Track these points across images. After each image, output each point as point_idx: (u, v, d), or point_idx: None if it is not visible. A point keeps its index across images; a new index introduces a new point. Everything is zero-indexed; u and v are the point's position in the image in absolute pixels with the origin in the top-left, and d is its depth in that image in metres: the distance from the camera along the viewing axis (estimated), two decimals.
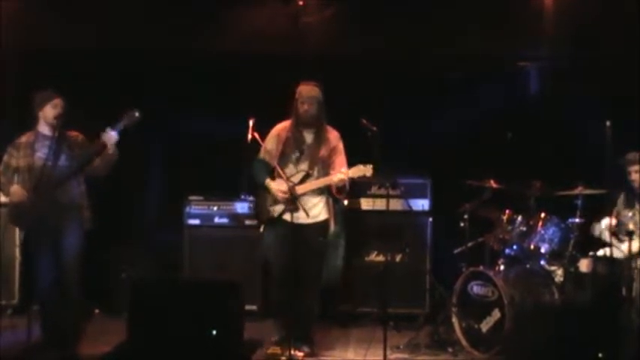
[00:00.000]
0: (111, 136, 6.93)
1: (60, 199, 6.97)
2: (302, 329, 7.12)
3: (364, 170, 6.91)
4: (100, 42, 8.61)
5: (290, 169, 7.09)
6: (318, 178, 7.04)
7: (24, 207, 6.93)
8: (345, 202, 8.38)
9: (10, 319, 8.12)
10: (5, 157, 7.17)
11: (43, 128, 7.10)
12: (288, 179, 7.00)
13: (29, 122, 7.13)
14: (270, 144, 7.15)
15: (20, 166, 7.06)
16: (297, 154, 7.08)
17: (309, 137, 7.11)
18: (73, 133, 7.18)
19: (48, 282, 7.03)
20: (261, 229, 7.21)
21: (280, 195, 6.99)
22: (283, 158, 7.10)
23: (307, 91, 7.07)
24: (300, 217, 6.98)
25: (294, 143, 7.10)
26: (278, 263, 7.11)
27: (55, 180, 6.94)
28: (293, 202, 6.95)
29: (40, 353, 6.92)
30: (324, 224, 7.11)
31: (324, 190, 7.08)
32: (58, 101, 7.08)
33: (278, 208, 7.06)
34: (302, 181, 7.03)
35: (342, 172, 6.89)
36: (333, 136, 7.17)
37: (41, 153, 7.01)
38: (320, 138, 7.09)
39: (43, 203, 6.89)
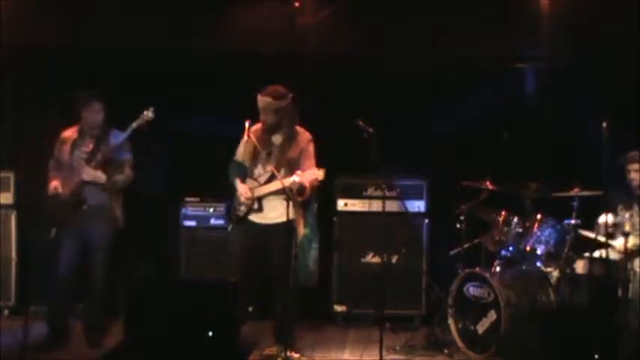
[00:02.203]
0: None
1: (88, 200, 7.16)
2: (279, 330, 7.16)
3: (316, 174, 6.89)
4: (99, 42, 8.60)
5: (259, 169, 7.14)
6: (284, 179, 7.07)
7: (59, 204, 7.12)
8: (344, 204, 8.44)
9: (6, 320, 8.14)
10: (55, 152, 7.37)
11: (86, 127, 7.31)
12: (256, 179, 7.10)
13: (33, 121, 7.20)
14: (245, 145, 7.21)
15: (62, 162, 7.31)
16: (266, 155, 7.11)
17: (277, 139, 7.12)
18: (114, 132, 7.34)
19: (62, 283, 7.16)
20: (229, 229, 7.29)
21: (242, 197, 7.09)
22: (254, 159, 7.16)
23: (261, 103, 7.06)
24: (266, 218, 7.07)
25: (263, 144, 7.12)
26: (239, 263, 7.18)
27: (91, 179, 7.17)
28: (256, 202, 7.07)
29: (42, 353, 6.94)
30: (288, 225, 7.03)
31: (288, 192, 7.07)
32: (97, 106, 7.30)
33: (243, 208, 7.14)
34: (268, 181, 7.07)
35: (296, 175, 6.88)
36: (303, 138, 7.16)
37: (80, 152, 7.25)
38: (289, 140, 7.10)
39: (76, 204, 7.11)
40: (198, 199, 8.52)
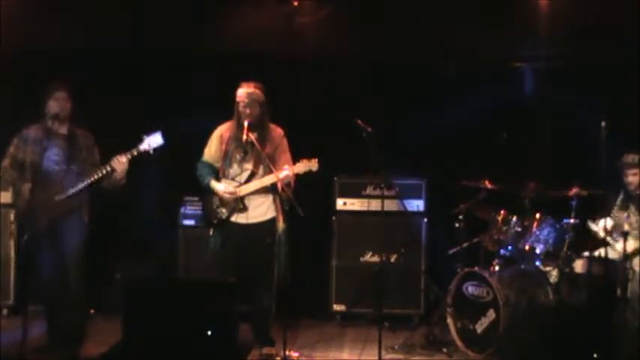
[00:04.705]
0: (121, 163, 6.88)
1: (61, 202, 6.93)
2: (261, 331, 7.16)
3: (309, 165, 6.90)
4: (99, 42, 8.60)
5: (235, 169, 7.08)
6: (263, 176, 7.01)
7: (32, 208, 6.84)
8: (343, 203, 8.44)
9: (5, 319, 8.14)
10: (11, 149, 7.04)
11: (53, 124, 6.93)
12: (233, 179, 7.03)
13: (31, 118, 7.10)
14: (214, 145, 7.16)
15: (27, 162, 6.94)
16: (242, 154, 7.05)
17: (252, 136, 6.97)
18: (83, 133, 7.12)
19: (52, 284, 6.99)
20: (211, 232, 7.18)
21: (227, 196, 7.00)
22: (227, 159, 7.09)
23: (247, 95, 7.01)
24: (249, 217, 7.02)
25: (237, 143, 7.05)
26: (220, 265, 7.08)
27: (65, 188, 6.92)
28: (240, 202, 6.99)
29: (42, 354, 6.93)
30: (272, 223, 7.06)
31: (271, 189, 7.04)
32: (60, 94, 6.98)
33: (225, 210, 7.07)
34: (248, 180, 7.03)
35: (286, 169, 6.88)
36: (277, 134, 7.11)
37: (51, 153, 6.93)
38: (264, 137, 7.02)
39: (49, 206, 6.88)
40: (197, 199, 8.50)
